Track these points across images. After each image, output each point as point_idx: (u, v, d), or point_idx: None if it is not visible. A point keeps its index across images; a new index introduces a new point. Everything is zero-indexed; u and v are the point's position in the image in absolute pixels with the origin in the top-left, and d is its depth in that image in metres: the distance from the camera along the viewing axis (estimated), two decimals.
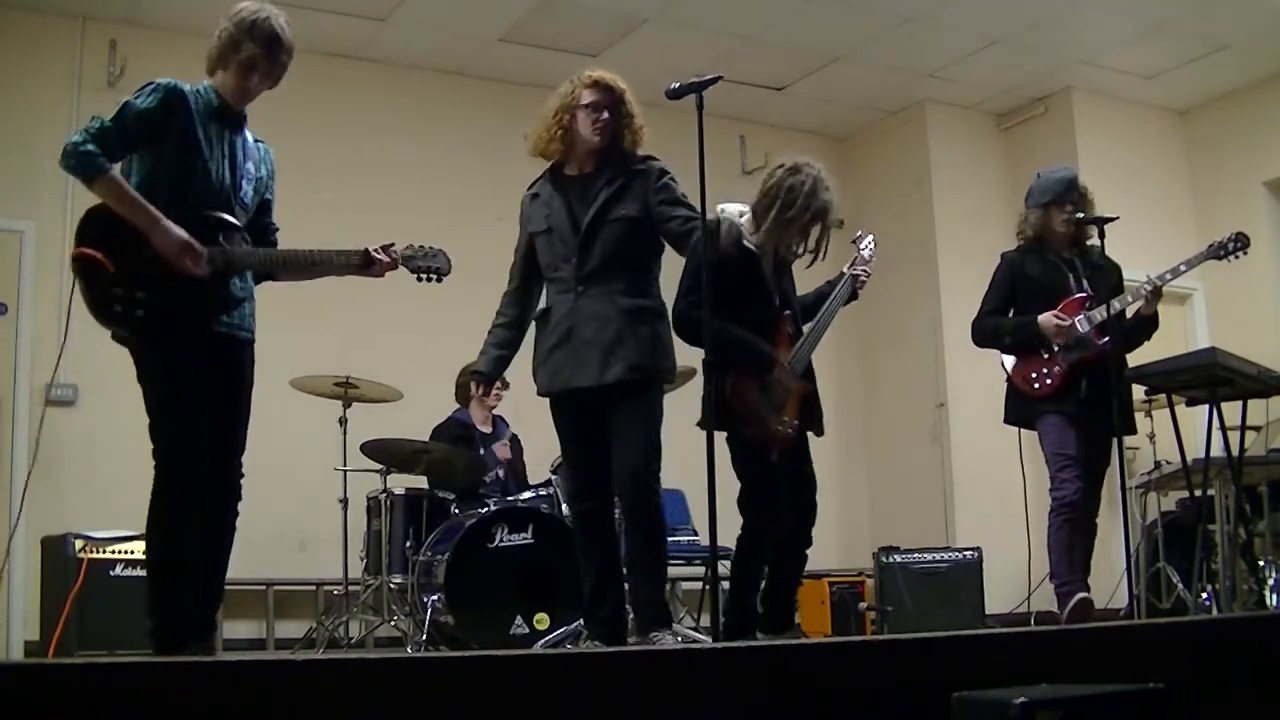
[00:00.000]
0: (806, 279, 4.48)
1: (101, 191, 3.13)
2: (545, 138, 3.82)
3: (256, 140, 3.54)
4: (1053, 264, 4.70)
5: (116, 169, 3.16)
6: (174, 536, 3.17)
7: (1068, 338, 4.55)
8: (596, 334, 3.66)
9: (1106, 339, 4.50)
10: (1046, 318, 4.58)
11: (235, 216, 3.35)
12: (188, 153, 3.24)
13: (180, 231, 3.15)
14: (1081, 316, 4.57)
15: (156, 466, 3.19)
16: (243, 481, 3.38)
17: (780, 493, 4.10)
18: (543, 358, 3.80)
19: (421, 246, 3.72)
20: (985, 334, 4.79)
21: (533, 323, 3.97)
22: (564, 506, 5.19)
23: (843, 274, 4.40)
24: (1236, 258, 4.67)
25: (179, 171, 3.23)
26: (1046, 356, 4.61)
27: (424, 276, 3.73)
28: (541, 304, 3.96)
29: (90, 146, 3.08)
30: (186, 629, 3.17)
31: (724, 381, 3.90)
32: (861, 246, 4.46)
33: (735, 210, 4.11)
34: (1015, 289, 4.75)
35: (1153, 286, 4.51)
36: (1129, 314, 4.62)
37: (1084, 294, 4.61)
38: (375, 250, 3.53)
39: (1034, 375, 4.64)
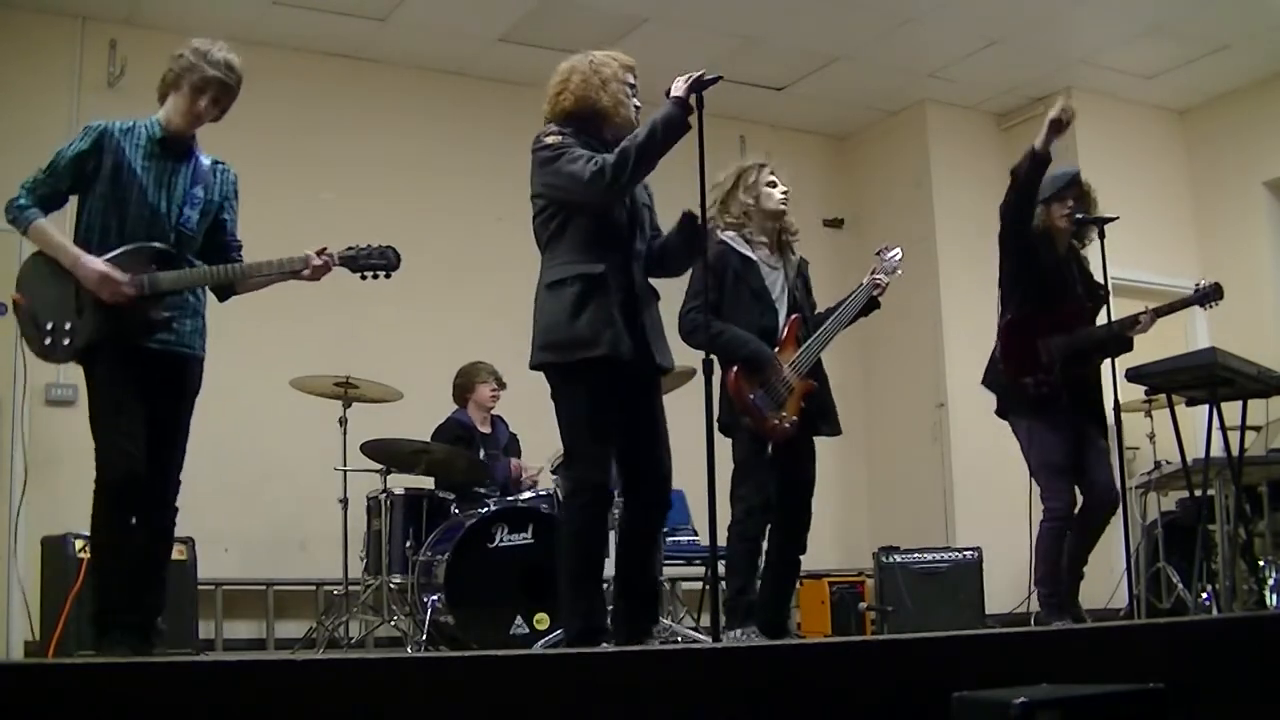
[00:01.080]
0: (825, 290, 4.64)
1: (32, 239, 3.47)
2: (612, 98, 3.57)
3: (217, 162, 3.70)
4: (1059, 260, 4.72)
5: (47, 219, 3.45)
6: (115, 543, 3.39)
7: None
8: (652, 314, 3.61)
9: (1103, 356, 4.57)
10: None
11: (177, 242, 3.53)
12: (120, 188, 3.46)
13: (96, 264, 3.38)
14: (1084, 332, 4.59)
15: (96, 477, 3.38)
16: (183, 490, 3.58)
17: (772, 486, 4.22)
18: (599, 320, 3.42)
19: (365, 246, 3.73)
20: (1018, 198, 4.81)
21: (558, 281, 3.52)
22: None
23: (862, 283, 4.49)
24: (1214, 305, 4.76)
25: (112, 206, 3.46)
26: (1045, 361, 4.56)
27: (368, 275, 3.74)
28: (577, 266, 3.50)
29: (22, 200, 3.44)
30: (123, 619, 3.42)
31: (726, 373, 4.09)
32: (885, 257, 4.55)
33: (728, 235, 4.36)
34: (1031, 263, 4.72)
35: (1146, 321, 4.58)
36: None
37: (1080, 303, 4.63)
38: (315, 253, 3.62)
39: (1030, 381, 4.58)
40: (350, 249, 3.70)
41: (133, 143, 3.50)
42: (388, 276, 3.75)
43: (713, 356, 3.41)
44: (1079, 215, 4.67)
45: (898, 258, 4.56)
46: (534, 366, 3.56)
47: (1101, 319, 4.65)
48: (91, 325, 3.39)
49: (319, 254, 3.61)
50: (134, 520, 3.41)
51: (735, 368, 4.13)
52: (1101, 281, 4.70)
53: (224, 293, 3.72)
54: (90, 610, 3.46)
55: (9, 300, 3.60)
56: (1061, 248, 4.74)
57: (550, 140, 3.52)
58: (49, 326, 3.41)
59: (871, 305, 4.47)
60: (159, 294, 3.45)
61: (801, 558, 4.39)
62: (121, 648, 3.33)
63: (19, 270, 3.52)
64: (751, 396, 4.14)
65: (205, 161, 3.65)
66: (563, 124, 3.59)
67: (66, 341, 3.40)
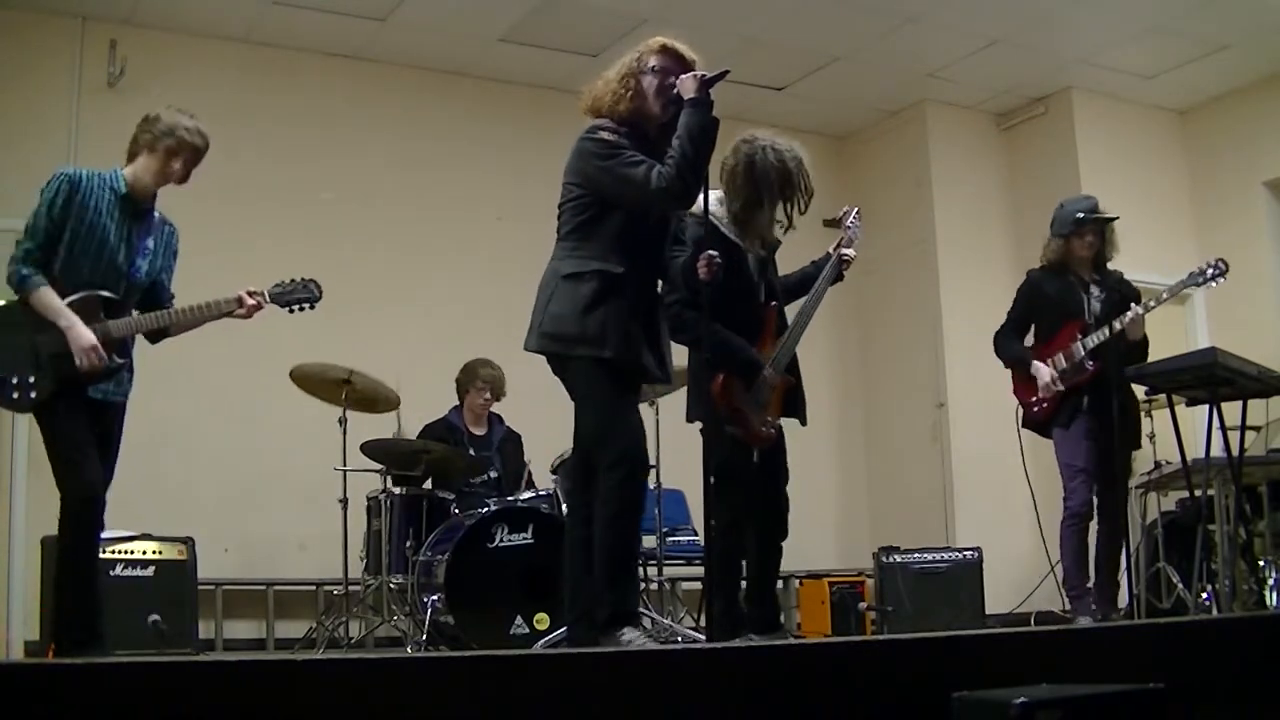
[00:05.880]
0: (792, 263, 4.43)
1: (35, 304, 3.68)
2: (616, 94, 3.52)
3: (165, 222, 3.98)
4: (1070, 285, 5.03)
5: (51, 296, 3.67)
6: (85, 561, 3.74)
7: (1048, 392, 4.95)
8: (662, 323, 3.58)
9: (1096, 363, 4.84)
10: (1039, 368, 4.99)
11: (126, 291, 3.83)
12: (86, 239, 3.73)
13: (89, 335, 3.67)
14: (1078, 343, 4.89)
15: (62, 506, 3.65)
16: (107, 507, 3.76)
17: (755, 490, 4.11)
18: (610, 321, 3.39)
19: (291, 280, 4.08)
20: (998, 350, 5.21)
21: (580, 274, 3.45)
22: (564, 507, 5.18)
23: (828, 254, 4.33)
24: (1215, 284, 4.89)
25: (78, 253, 3.72)
26: (1040, 394, 5.00)
27: (295, 308, 4.11)
28: (598, 263, 3.45)
29: (25, 271, 3.68)
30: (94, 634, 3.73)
31: (711, 379, 3.88)
32: (847, 223, 4.35)
33: (715, 197, 4.01)
34: (1032, 306, 5.14)
35: (1134, 314, 4.75)
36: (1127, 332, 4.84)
37: (1081, 320, 4.95)
38: (247, 294, 3.94)
39: (1033, 400, 5.04)
40: (278, 286, 4.06)
41: (102, 193, 3.77)
42: (312, 308, 4.12)
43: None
44: (1079, 215, 4.85)
45: (858, 220, 4.35)
46: (532, 349, 3.52)
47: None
48: (52, 376, 3.67)
49: (250, 294, 3.94)
50: (93, 542, 3.75)
51: (721, 375, 3.91)
52: (1133, 292, 5.00)
53: (156, 336, 4.00)
54: (62, 637, 3.71)
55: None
56: (1082, 271, 5.04)
57: (607, 136, 3.44)
58: (13, 381, 3.66)
59: (836, 278, 4.30)
60: (110, 342, 3.74)
61: (784, 544, 4.21)
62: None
63: None
64: (740, 404, 3.99)
65: (157, 217, 3.93)
66: (618, 123, 3.50)
67: (32, 395, 3.67)
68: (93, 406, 3.77)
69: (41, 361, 3.68)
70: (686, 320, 3.88)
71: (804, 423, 4.25)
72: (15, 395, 3.68)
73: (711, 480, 3.87)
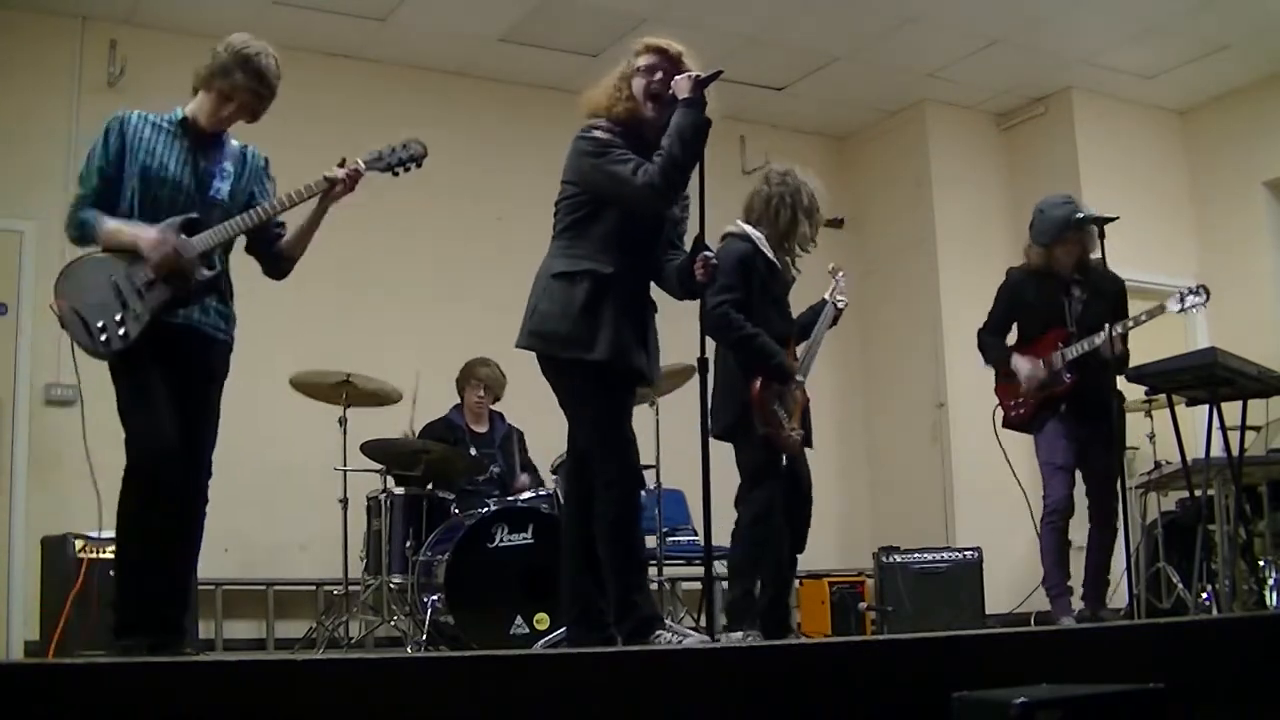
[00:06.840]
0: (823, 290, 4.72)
1: (105, 243, 3.39)
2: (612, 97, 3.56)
3: (245, 146, 3.67)
4: (1051, 290, 4.98)
5: (109, 222, 3.39)
6: (144, 534, 3.33)
7: (1030, 384, 4.96)
8: (653, 324, 3.59)
9: (1073, 377, 4.86)
10: (1018, 362, 5.00)
11: (208, 214, 3.46)
12: (144, 169, 3.42)
13: (149, 230, 3.36)
14: (1057, 354, 4.89)
15: (126, 464, 3.32)
16: (210, 481, 3.61)
17: (781, 492, 4.29)
18: (600, 323, 3.38)
19: (389, 146, 3.72)
20: (982, 350, 5.23)
21: (572, 275, 3.46)
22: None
23: (824, 301, 4.62)
24: (1194, 311, 4.93)
25: (140, 187, 3.42)
26: (1022, 387, 5.01)
27: (399, 170, 3.71)
28: (589, 263, 3.45)
29: (82, 215, 3.41)
30: (152, 623, 3.32)
31: (751, 383, 4.17)
32: (838, 278, 4.69)
33: (755, 234, 4.36)
34: (1012, 307, 5.12)
35: (1104, 336, 4.72)
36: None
37: (1064, 329, 4.92)
38: (338, 165, 3.61)
39: (1011, 404, 5.08)
40: (374, 152, 3.69)
41: (154, 126, 3.47)
42: (419, 166, 3.72)
43: (708, 357, 3.39)
44: (1078, 215, 4.82)
45: (843, 277, 4.73)
46: (521, 347, 3.53)
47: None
48: (143, 307, 3.35)
49: (341, 165, 3.60)
50: (164, 507, 3.33)
51: (760, 378, 4.18)
52: (1118, 285, 5.00)
53: (273, 263, 3.68)
54: (112, 621, 3.36)
55: (11, 301, 3.59)
56: (1065, 273, 4.98)
57: (600, 135, 3.46)
58: (100, 325, 3.34)
59: (832, 323, 4.66)
60: (190, 256, 3.39)
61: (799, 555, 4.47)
62: (141, 649, 3.24)
63: (55, 283, 3.46)
64: (775, 407, 4.22)
65: (234, 144, 3.62)
66: (613, 124, 3.52)
67: (121, 332, 3.33)
68: (178, 340, 3.43)
69: (129, 295, 3.35)
70: (734, 321, 4.11)
71: (809, 446, 4.46)
72: (104, 338, 3.32)
73: (744, 481, 4.27)
